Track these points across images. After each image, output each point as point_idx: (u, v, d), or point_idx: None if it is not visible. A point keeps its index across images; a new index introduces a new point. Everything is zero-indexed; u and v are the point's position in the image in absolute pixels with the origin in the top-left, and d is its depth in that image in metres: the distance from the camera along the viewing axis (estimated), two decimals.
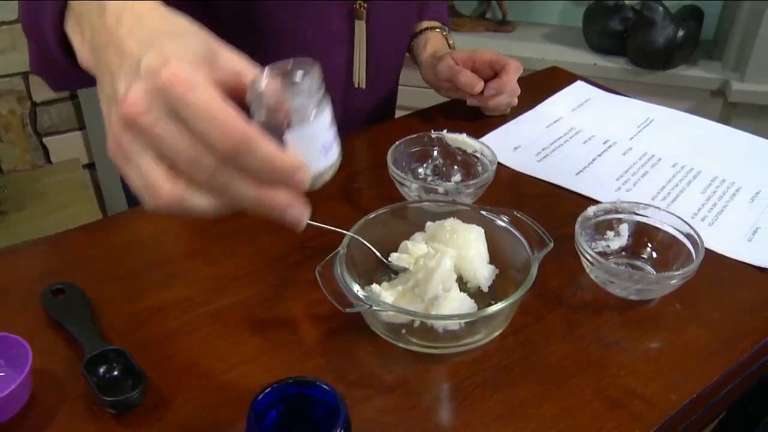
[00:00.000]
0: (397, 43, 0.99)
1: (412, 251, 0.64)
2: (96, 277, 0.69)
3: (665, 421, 0.56)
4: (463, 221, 0.67)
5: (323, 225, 0.62)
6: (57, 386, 0.58)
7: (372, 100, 0.98)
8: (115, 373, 0.57)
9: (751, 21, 1.76)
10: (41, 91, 2.22)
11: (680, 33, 1.82)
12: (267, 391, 0.49)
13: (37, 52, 0.60)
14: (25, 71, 2.17)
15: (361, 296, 0.57)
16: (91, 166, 2.40)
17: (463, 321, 0.58)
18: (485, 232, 0.67)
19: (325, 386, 0.50)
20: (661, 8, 1.81)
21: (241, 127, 0.39)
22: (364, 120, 1.00)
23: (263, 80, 0.43)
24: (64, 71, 0.56)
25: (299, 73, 0.43)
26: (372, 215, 0.66)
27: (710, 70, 1.88)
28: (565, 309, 0.66)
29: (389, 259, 0.64)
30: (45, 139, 2.32)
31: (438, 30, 1.04)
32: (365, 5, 0.86)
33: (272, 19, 0.82)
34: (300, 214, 0.43)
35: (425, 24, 1.05)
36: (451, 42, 1.04)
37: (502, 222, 0.66)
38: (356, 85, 0.92)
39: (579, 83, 1.08)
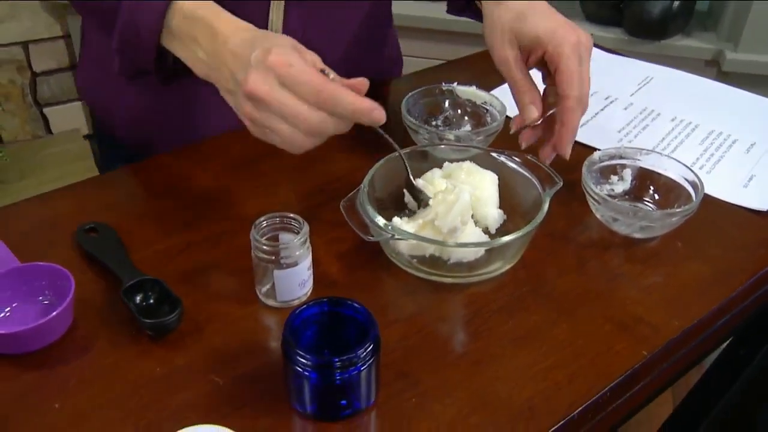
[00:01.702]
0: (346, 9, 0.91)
1: (434, 182, 0.67)
2: (125, 218, 0.72)
3: (668, 343, 0.60)
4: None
5: (385, 135, 0.65)
6: (97, 313, 0.61)
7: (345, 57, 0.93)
8: (151, 301, 0.61)
9: None
10: (41, 60, 2.23)
11: (675, 3, 1.84)
12: (303, 307, 0.53)
13: (129, 73, 0.72)
14: (25, 41, 2.17)
15: (383, 226, 0.61)
16: (91, 137, 2.41)
17: (481, 249, 0.62)
18: (498, 177, 0.70)
19: (356, 305, 0.53)
20: None
21: (327, 88, 0.56)
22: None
23: (263, 224, 0.60)
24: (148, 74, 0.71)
25: (288, 237, 0.60)
26: (395, 154, 0.68)
27: (705, 41, 1.91)
28: (574, 246, 0.70)
29: (415, 181, 0.67)
30: (45, 110, 2.33)
31: None
32: None
33: None
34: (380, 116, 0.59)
35: None
36: None
37: (513, 163, 0.70)
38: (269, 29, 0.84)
39: None
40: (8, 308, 0.60)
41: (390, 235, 0.60)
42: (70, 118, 2.37)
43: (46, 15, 2.16)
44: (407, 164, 0.67)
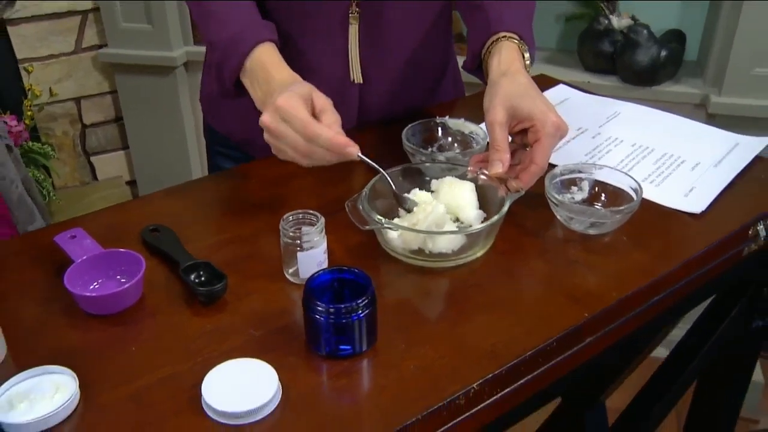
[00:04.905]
0: (404, 43, 1.09)
1: (418, 195, 0.85)
2: (180, 222, 0.90)
3: (605, 308, 0.76)
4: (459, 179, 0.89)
5: (371, 162, 0.84)
6: (161, 288, 0.79)
7: (388, 98, 1.14)
8: (203, 278, 0.79)
9: (725, 43, 1.98)
10: (91, 114, 2.47)
11: (663, 53, 2.03)
12: (319, 272, 0.70)
13: (216, 90, 1.00)
14: (78, 96, 2.42)
15: (376, 218, 0.79)
16: (132, 183, 2.64)
17: (457, 241, 0.79)
18: (476, 187, 0.88)
19: (356, 270, 0.71)
20: (645, 31, 2.04)
21: (310, 128, 0.80)
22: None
23: (290, 219, 0.79)
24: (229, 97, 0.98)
25: (309, 228, 0.78)
26: (391, 170, 0.87)
27: (693, 86, 2.09)
28: (539, 240, 0.87)
29: (405, 194, 0.86)
30: (92, 158, 2.56)
31: (511, 39, 0.96)
32: (358, 10, 1.02)
33: (278, 25, 1.01)
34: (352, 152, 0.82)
35: (501, 33, 0.97)
36: (526, 56, 0.96)
37: (484, 176, 0.88)
38: (352, 80, 1.07)
39: (560, 86, 1.29)
40: (95, 283, 0.78)
41: (380, 225, 0.78)
42: (114, 165, 2.61)
43: (97, 73, 2.41)
44: (391, 182, 0.87)
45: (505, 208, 0.81)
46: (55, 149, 2.29)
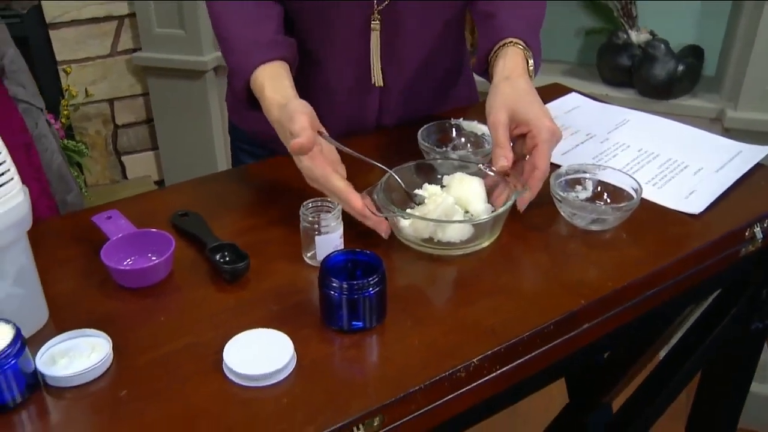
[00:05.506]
0: (421, 47, 1.15)
1: (429, 190, 0.91)
2: (207, 209, 0.96)
3: (601, 297, 0.81)
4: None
5: (377, 163, 0.90)
6: (189, 266, 0.85)
7: (407, 98, 1.19)
8: (227, 258, 0.85)
9: (742, 58, 2.01)
10: (123, 115, 2.57)
11: (680, 68, 2.07)
12: (334, 253, 0.76)
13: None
14: (111, 98, 2.52)
15: (390, 208, 0.85)
16: (160, 183, 2.73)
17: (465, 231, 0.85)
18: (485, 182, 0.94)
19: (368, 251, 0.76)
20: (663, 46, 2.08)
21: (343, 196, 0.85)
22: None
23: (309, 205, 0.85)
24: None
25: (326, 214, 0.84)
26: (405, 165, 0.93)
27: (709, 101, 2.13)
28: (542, 234, 0.92)
29: (414, 191, 0.91)
30: (123, 158, 2.66)
31: (517, 45, 1.01)
32: (380, 18, 1.08)
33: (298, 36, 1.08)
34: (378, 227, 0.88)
35: (508, 39, 1.02)
36: (530, 63, 1.02)
37: (492, 172, 0.93)
38: (374, 84, 1.13)
39: (573, 94, 1.35)
40: (129, 259, 0.85)
41: (393, 213, 0.84)
42: (144, 165, 2.70)
43: (130, 76, 2.51)
44: (400, 181, 0.93)
45: (511, 201, 0.86)
46: (89, 148, 2.39)
